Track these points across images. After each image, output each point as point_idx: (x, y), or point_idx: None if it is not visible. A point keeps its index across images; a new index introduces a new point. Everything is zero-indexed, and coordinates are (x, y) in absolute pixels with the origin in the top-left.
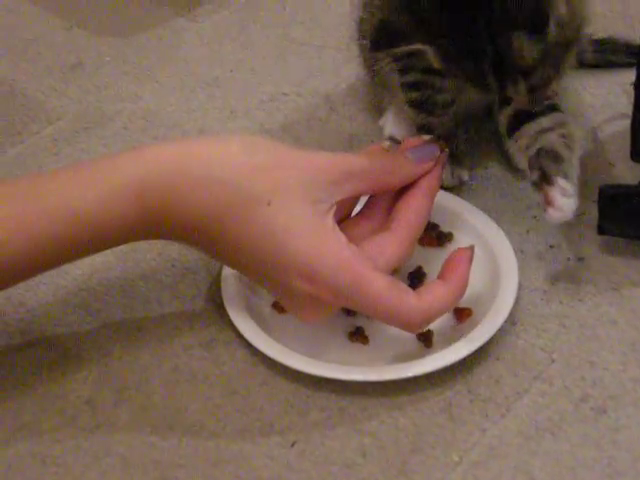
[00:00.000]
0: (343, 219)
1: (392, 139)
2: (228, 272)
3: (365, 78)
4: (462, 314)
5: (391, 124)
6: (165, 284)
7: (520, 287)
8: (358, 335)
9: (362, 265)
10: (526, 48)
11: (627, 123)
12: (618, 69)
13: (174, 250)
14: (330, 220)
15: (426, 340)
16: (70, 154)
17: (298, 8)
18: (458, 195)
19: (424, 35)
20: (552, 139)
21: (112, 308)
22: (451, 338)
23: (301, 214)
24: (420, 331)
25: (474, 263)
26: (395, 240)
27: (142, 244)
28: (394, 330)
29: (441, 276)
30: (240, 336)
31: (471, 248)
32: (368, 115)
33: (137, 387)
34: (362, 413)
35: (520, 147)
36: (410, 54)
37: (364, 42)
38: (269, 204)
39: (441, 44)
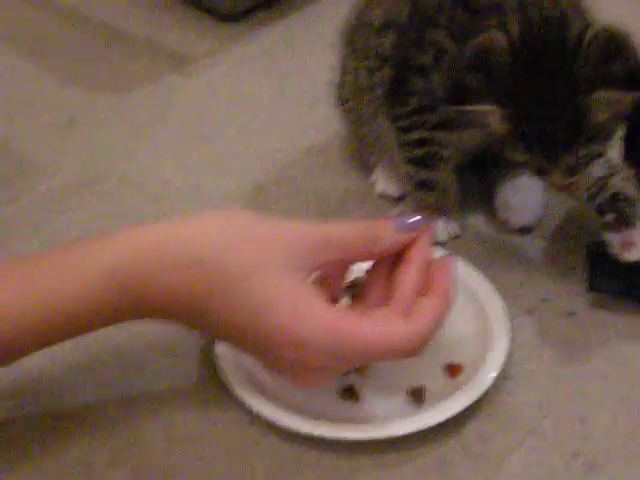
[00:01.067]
0: (334, 284)
1: (383, 195)
2: None
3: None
4: (454, 370)
5: (382, 181)
6: (159, 344)
7: (512, 342)
8: (349, 393)
9: (344, 322)
10: (603, 106)
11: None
12: None
13: None
14: (309, 286)
15: (418, 397)
16: (64, 211)
17: (291, 64)
18: (450, 249)
19: (494, 95)
20: (620, 184)
21: (107, 368)
22: (443, 394)
23: (279, 285)
24: (422, 351)
25: (465, 319)
26: (398, 322)
27: None
28: (385, 387)
29: (427, 287)
30: (233, 395)
31: (451, 255)
32: (361, 171)
33: (131, 447)
34: (355, 472)
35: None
36: (417, 111)
37: (343, 106)
38: (247, 279)
39: (512, 105)
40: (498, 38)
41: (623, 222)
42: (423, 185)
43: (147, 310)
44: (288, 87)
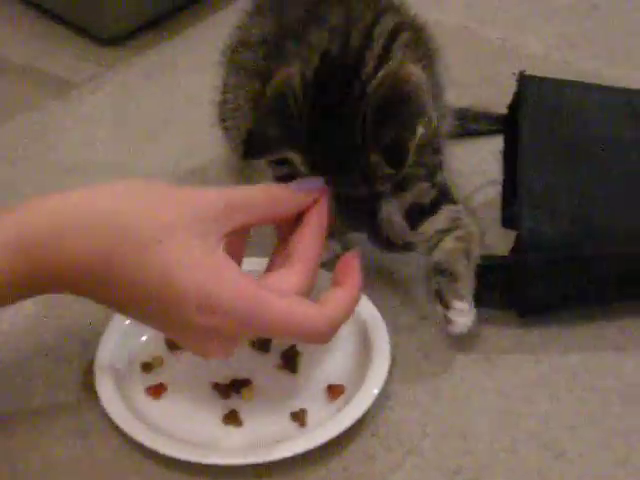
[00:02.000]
0: (237, 250)
1: None
2: (102, 360)
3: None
4: (334, 391)
5: None
6: (39, 373)
7: (393, 360)
8: (232, 417)
9: (260, 290)
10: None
11: (498, 190)
12: (489, 136)
13: (49, 338)
14: (221, 252)
15: (300, 420)
16: None
17: (173, 87)
18: (329, 269)
19: (292, 143)
20: (448, 248)
21: None
22: (325, 416)
23: (193, 249)
24: (330, 339)
25: (346, 338)
26: (292, 276)
27: (15, 331)
28: (268, 411)
29: (336, 282)
30: (114, 424)
31: (356, 251)
32: None
33: (6, 477)
34: None
35: (422, 248)
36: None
37: (224, 124)
38: (160, 243)
39: (308, 153)
40: (292, 76)
41: (441, 300)
42: None
43: (56, 278)
44: (171, 110)
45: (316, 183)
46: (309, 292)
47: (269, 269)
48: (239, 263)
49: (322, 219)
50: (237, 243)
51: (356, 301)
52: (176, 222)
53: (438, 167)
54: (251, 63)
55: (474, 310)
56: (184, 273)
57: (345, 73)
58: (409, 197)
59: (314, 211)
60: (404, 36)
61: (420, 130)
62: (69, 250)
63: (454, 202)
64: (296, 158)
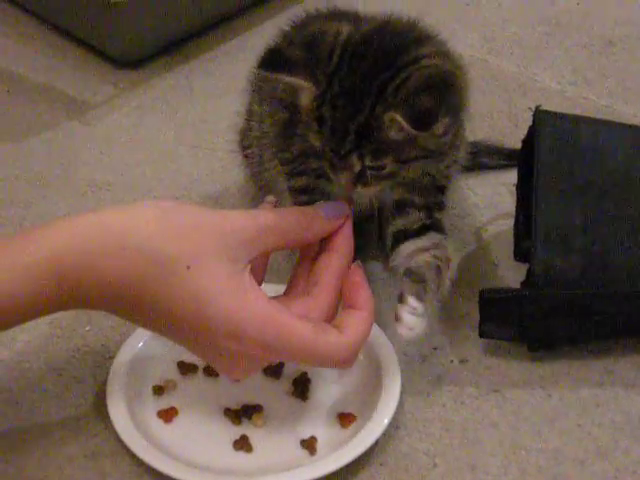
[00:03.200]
0: (259, 270)
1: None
2: (114, 382)
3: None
4: (346, 419)
5: None
6: (51, 394)
7: (403, 390)
8: (242, 443)
9: (285, 316)
10: (394, 127)
11: (511, 223)
12: (503, 170)
13: (61, 359)
14: (248, 278)
15: (310, 447)
16: None
17: (189, 111)
18: None
19: (312, 72)
20: (423, 259)
21: None
22: (335, 444)
23: (221, 275)
24: (353, 363)
25: (357, 368)
26: (317, 305)
27: (29, 351)
28: (278, 437)
29: (349, 304)
30: (125, 447)
31: (358, 265)
32: None
33: None
34: None
35: (395, 265)
36: (299, 157)
37: (246, 151)
38: (188, 268)
39: (325, 86)
40: (341, 30)
41: (399, 298)
42: None
43: (86, 299)
44: (186, 134)
45: (342, 208)
46: (332, 318)
47: (290, 291)
48: (260, 282)
49: (349, 247)
50: (259, 263)
51: (372, 319)
52: (205, 248)
53: (440, 206)
54: (279, 93)
55: (426, 320)
56: (212, 300)
57: (391, 45)
58: (399, 223)
59: (342, 238)
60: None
61: (446, 121)
62: (101, 274)
63: (442, 232)
64: (308, 90)
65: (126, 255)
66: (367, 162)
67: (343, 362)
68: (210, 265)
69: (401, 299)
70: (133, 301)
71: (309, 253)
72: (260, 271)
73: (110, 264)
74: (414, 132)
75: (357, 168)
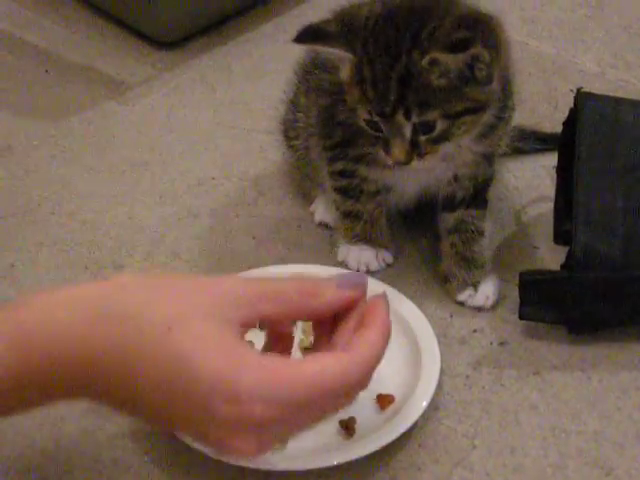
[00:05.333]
0: (283, 343)
1: (321, 224)
2: None
3: (293, 165)
4: (384, 401)
5: (322, 211)
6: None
7: (442, 372)
8: None
9: (281, 365)
10: (437, 69)
11: (550, 206)
12: (542, 152)
13: None
14: (239, 338)
15: (349, 428)
16: None
17: (227, 92)
18: (382, 280)
19: (349, 42)
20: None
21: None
22: (374, 425)
23: (207, 335)
24: (368, 383)
25: (396, 349)
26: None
27: None
28: None
29: (363, 324)
30: None
31: (384, 294)
32: (295, 199)
33: None
34: None
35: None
36: (340, 143)
37: (291, 141)
38: (170, 329)
39: (361, 53)
40: (375, 4)
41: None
42: (349, 214)
43: (66, 379)
44: (224, 114)
45: (359, 279)
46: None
47: None
48: (287, 350)
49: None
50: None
51: (387, 341)
52: (189, 309)
53: (488, 181)
54: (325, 84)
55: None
56: (198, 359)
57: (423, 5)
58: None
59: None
60: None
61: (485, 55)
62: (81, 346)
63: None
64: (347, 60)
65: (103, 323)
66: (414, 118)
67: (359, 384)
68: (194, 325)
69: (468, 270)
70: (118, 374)
71: (324, 323)
72: (285, 341)
73: (84, 332)
74: (452, 59)
75: (407, 130)
